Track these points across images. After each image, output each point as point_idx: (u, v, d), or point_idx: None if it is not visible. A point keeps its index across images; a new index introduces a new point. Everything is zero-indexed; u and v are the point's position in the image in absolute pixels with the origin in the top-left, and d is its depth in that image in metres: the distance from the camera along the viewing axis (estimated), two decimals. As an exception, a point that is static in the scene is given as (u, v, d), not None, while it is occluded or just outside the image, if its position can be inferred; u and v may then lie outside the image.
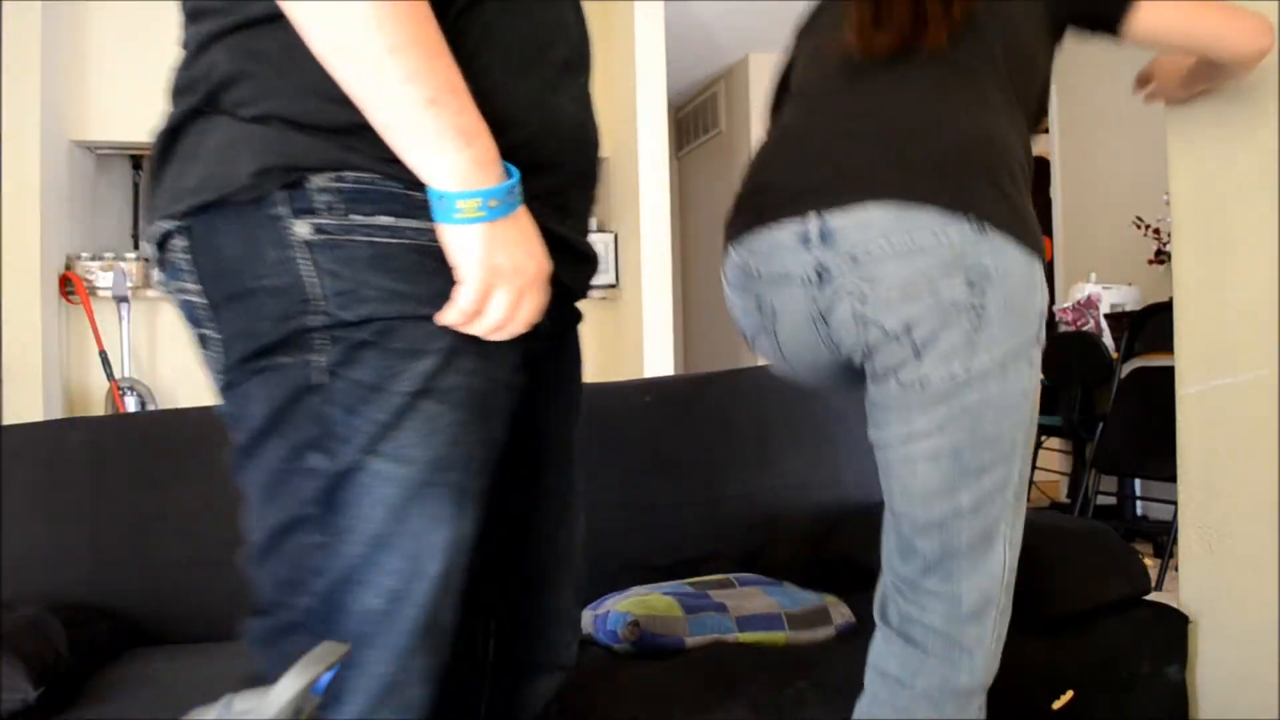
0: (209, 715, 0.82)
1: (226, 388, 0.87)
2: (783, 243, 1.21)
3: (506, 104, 0.85)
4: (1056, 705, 1.48)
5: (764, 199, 1.26)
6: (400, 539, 0.82)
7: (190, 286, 0.86)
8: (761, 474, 1.96)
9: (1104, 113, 4.65)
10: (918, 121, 1.19)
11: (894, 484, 1.26)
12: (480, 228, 0.79)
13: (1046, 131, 5.13)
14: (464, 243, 0.80)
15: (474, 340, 0.84)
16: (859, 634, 1.58)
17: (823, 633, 1.55)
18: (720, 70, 5.79)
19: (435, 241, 0.82)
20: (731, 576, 1.70)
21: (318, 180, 0.81)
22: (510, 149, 0.83)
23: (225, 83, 0.82)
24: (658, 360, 4.12)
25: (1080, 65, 4.78)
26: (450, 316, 0.81)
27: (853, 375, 1.30)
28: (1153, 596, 1.70)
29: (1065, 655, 1.53)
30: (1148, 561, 1.71)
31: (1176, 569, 1.78)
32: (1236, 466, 1.64)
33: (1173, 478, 1.76)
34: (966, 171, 1.15)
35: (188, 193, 0.83)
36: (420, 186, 0.80)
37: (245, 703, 0.81)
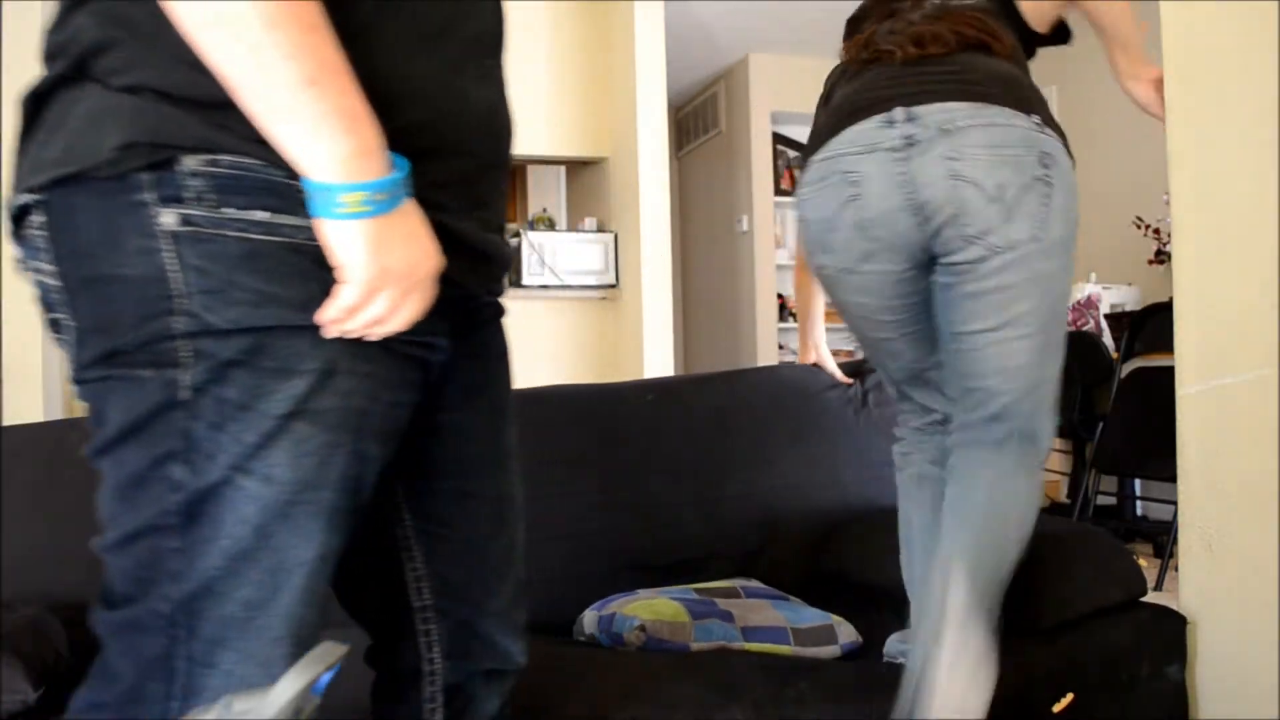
0: (209, 715, 0.82)
1: (81, 382, 0.81)
2: (868, 128, 1.36)
3: (403, 84, 0.80)
4: (1057, 708, 1.48)
5: (843, 112, 1.41)
6: (263, 554, 0.79)
7: (45, 266, 0.80)
8: (761, 474, 1.96)
9: (1104, 113, 4.65)
10: (970, 64, 1.40)
11: (989, 365, 1.38)
12: (365, 224, 0.74)
13: (1046, 131, 5.14)
14: (348, 241, 0.74)
15: (352, 359, 0.79)
16: (863, 655, 1.58)
17: (827, 651, 1.54)
18: (720, 70, 5.79)
19: (314, 240, 0.76)
20: (738, 585, 1.70)
21: (189, 163, 0.75)
22: (406, 133, 0.78)
23: (94, 49, 0.76)
24: (658, 360, 4.12)
25: (1080, 65, 4.78)
26: (330, 314, 0.76)
27: (919, 270, 1.40)
28: (1153, 597, 1.70)
29: (1065, 657, 1.53)
30: (1145, 562, 1.71)
31: (1176, 569, 1.78)
32: (1236, 466, 1.64)
33: (1173, 478, 1.76)
34: (1020, 88, 1.38)
35: (49, 164, 0.77)
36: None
37: (245, 703, 0.81)
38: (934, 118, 1.31)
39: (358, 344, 0.80)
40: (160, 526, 0.79)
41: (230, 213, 0.76)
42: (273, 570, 0.79)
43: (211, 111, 0.75)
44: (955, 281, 1.36)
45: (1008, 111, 1.32)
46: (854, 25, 1.61)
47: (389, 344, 0.82)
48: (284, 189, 0.76)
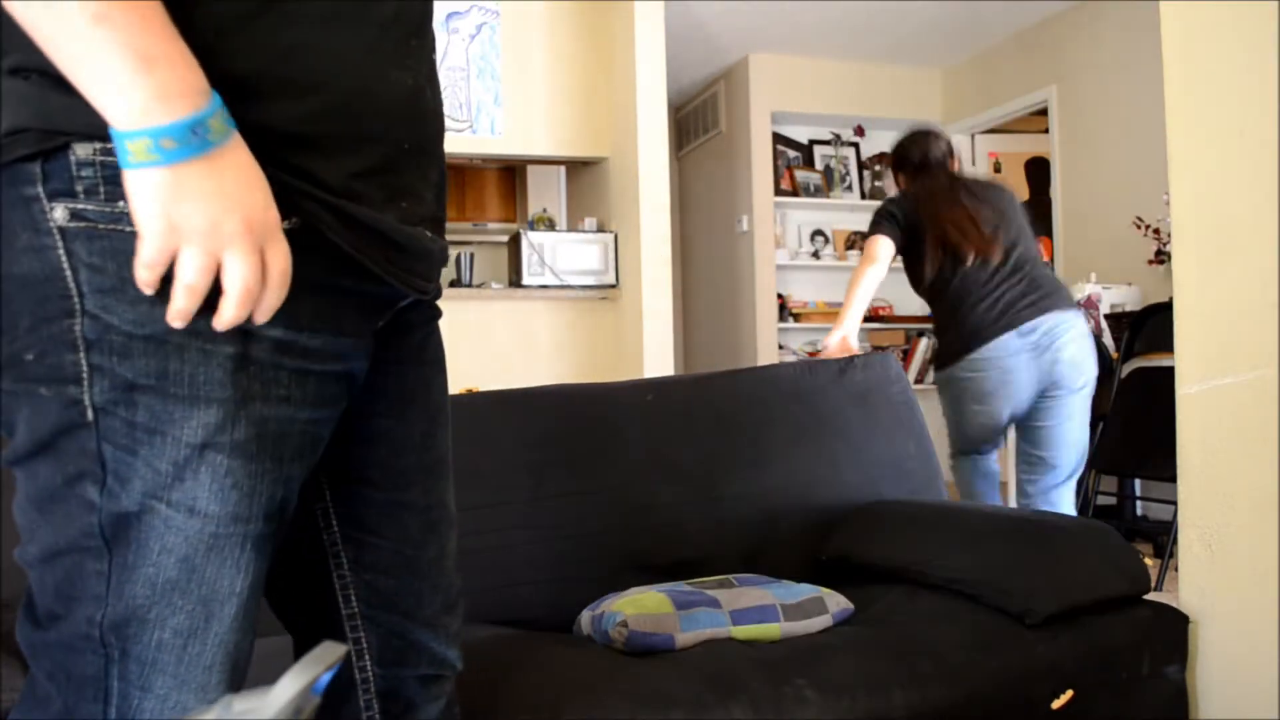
0: (209, 715, 0.82)
1: None
2: (1010, 340, 2.67)
3: (313, 65, 0.75)
4: (1056, 705, 1.48)
5: (987, 321, 2.69)
6: (192, 585, 0.76)
7: None
8: (761, 474, 1.96)
9: (1104, 113, 4.65)
10: (1037, 275, 2.74)
11: (1059, 440, 2.76)
12: (154, 173, 0.67)
13: (1046, 131, 5.13)
14: (136, 191, 0.68)
15: (266, 384, 0.75)
16: (854, 622, 1.59)
17: (819, 622, 1.55)
18: (720, 70, 5.79)
19: None
20: (731, 577, 1.70)
21: (80, 151, 0.70)
22: (317, 116, 0.75)
23: None
24: (658, 360, 4.12)
25: (1080, 65, 4.78)
26: (140, 275, 0.70)
27: (1030, 401, 2.76)
28: (1153, 596, 1.70)
29: (1065, 654, 1.53)
30: (1148, 561, 1.71)
31: (1176, 569, 1.78)
32: (1236, 466, 1.64)
33: (1173, 478, 1.76)
34: (1061, 287, 2.78)
35: None
36: None
37: (245, 703, 0.81)
38: (1048, 325, 2.66)
39: (273, 368, 0.76)
40: (82, 547, 0.75)
41: (125, 206, 0.70)
42: (204, 600, 0.76)
43: None
44: (1054, 405, 2.75)
45: (1074, 313, 2.72)
46: (910, 164, 2.92)
47: (306, 364, 0.78)
48: None
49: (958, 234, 2.67)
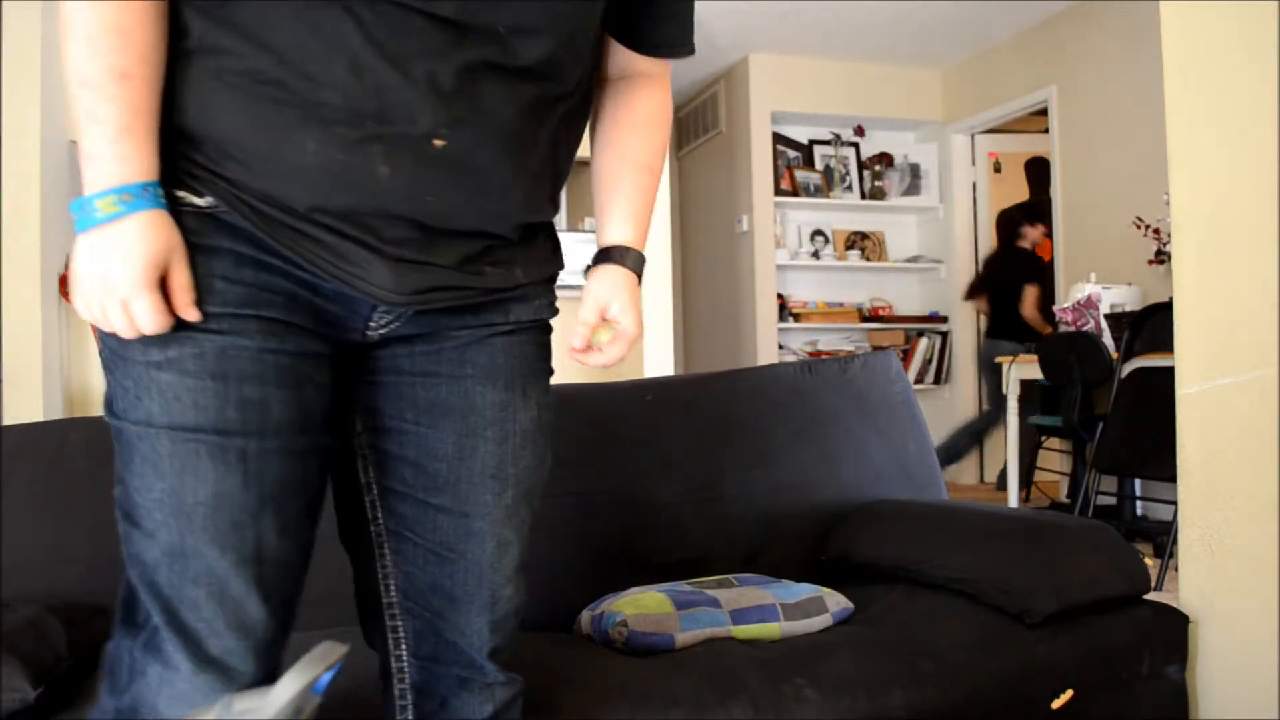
0: (209, 715, 0.82)
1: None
2: None
3: (299, 159, 0.87)
4: (1056, 704, 1.48)
5: None
6: (166, 497, 0.87)
7: None
8: (761, 474, 1.96)
9: (1104, 113, 4.65)
10: None
11: None
12: (80, 236, 0.84)
13: (1046, 131, 5.14)
14: (77, 248, 0.85)
15: (218, 319, 0.87)
16: (854, 621, 1.59)
17: (819, 621, 1.55)
18: (720, 70, 5.79)
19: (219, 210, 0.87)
20: (731, 577, 1.70)
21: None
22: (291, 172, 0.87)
23: None
24: (658, 360, 4.12)
25: (1080, 65, 4.78)
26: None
27: None
28: (1153, 596, 1.70)
29: (1065, 654, 1.53)
30: (1148, 561, 1.71)
31: (1176, 569, 1.78)
32: (1236, 466, 1.64)
33: (1173, 478, 1.76)
34: None
35: None
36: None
37: (245, 703, 0.81)
38: None
39: (241, 310, 0.88)
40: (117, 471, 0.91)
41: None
42: (175, 513, 0.86)
43: None
44: None
45: None
46: None
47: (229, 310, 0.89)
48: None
49: None
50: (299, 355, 0.91)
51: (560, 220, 5.26)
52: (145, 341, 0.86)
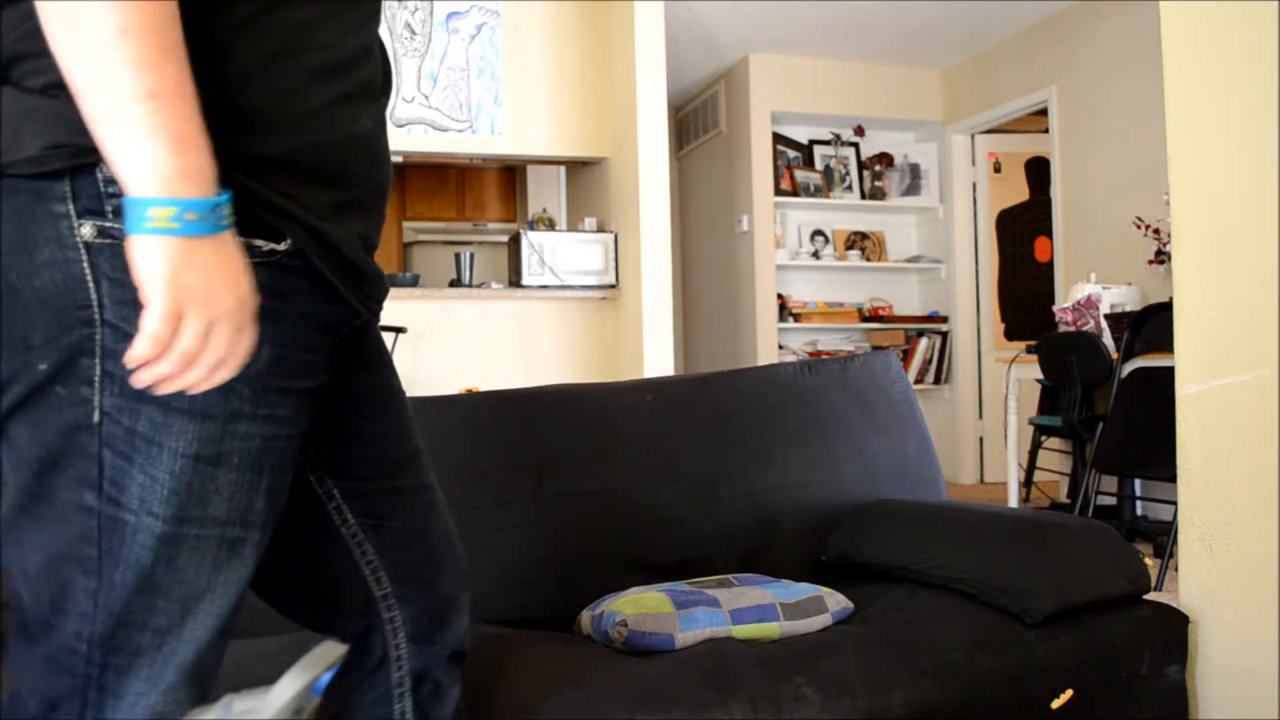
0: (209, 715, 0.82)
1: None
2: None
3: (305, 105, 0.83)
4: (1056, 704, 1.48)
5: None
6: (174, 585, 0.81)
7: None
8: (761, 474, 1.96)
9: (1104, 113, 4.65)
10: None
11: None
12: (169, 240, 0.72)
13: (1046, 131, 5.14)
14: (149, 256, 0.72)
15: (256, 402, 0.82)
16: (854, 620, 1.59)
17: (818, 621, 1.55)
18: (720, 70, 5.79)
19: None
20: (731, 576, 1.70)
21: (109, 169, 0.74)
22: (306, 149, 0.83)
23: (12, 53, 0.76)
24: (658, 360, 4.12)
25: (1080, 65, 4.78)
26: (139, 347, 0.73)
27: None
28: (1153, 596, 1.70)
29: (1065, 654, 1.53)
30: (1148, 561, 1.71)
31: (1176, 569, 1.78)
32: (1236, 466, 1.64)
33: (1173, 478, 1.76)
34: None
35: None
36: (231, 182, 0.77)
37: (245, 703, 0.81)
38: None
39: (262, 388, 0.82)
40: (74, 556, 0.80)
41: None
42: (183, 600, 0.82)
43: None
44: None
45: None
46: None
47: (288, 383, 0.85)
48: None
49: None
50: (304, 434, 0.91)
51: (560, 220, 5.27)
52: (201, 426, 0.79)
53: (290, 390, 0.85)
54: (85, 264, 0.76)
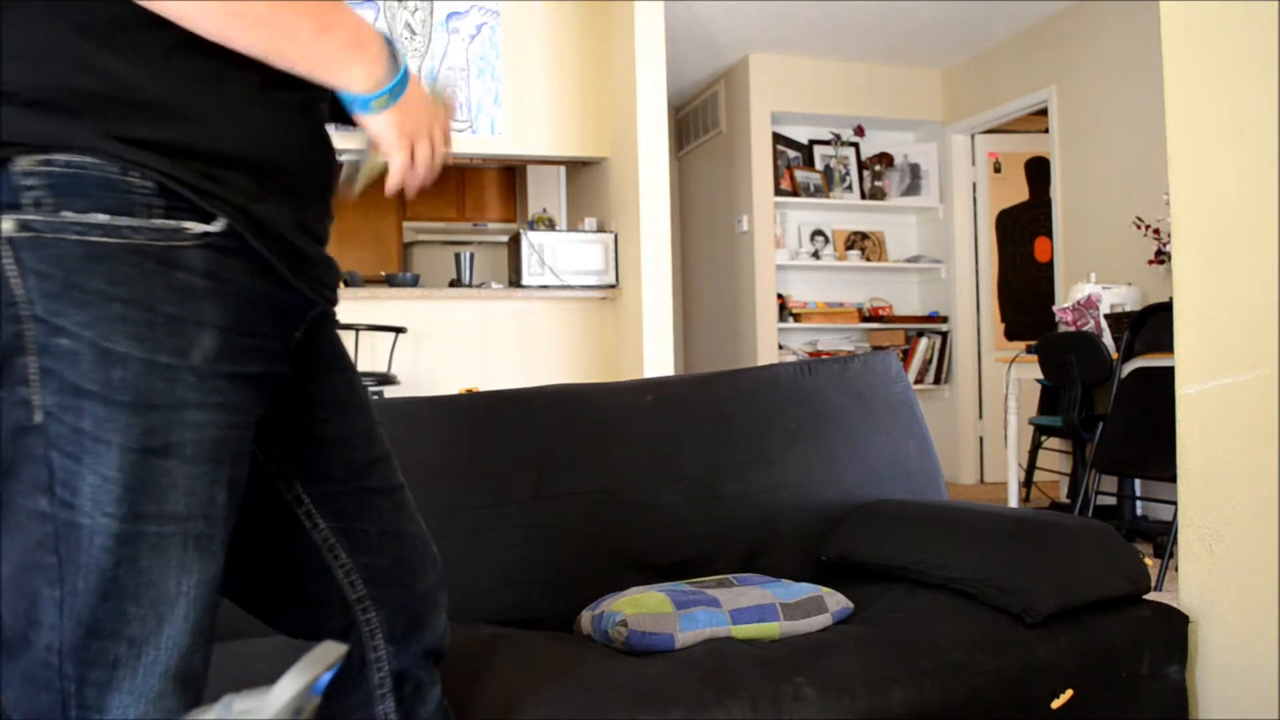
0: (209, 715, 0.82)
1: None
2: None
3: (224, 92, 0.83)
4: (1056, 704, 1.48)
5: None
6: (141, 589, 0.79)
7: None
8: (761, 474, 1.96)
9: (1104, 113, 4.65)
10: None
11: None
12: (389, 112, 0.90)
13: (1046, 131, 5.14)
14: (381, 126, 0.90)
15: (205, 390, 0.81)
16: (854, 620, 1.59)
17: (818, 621, 1.55)
18: (720, 70, 5.79)
19: (156, 241, 0.78)
20: (731, 576, 1.70)
21: (23, 163, 0.74)
22: (224, 140, 0.83)
23: None
24: (658, 360, 4.12)
25: (1080, 65, 4.78)
26: (393, 181, 0.93)
27: None
28: (1153, 596, 1.70)
29: (1065, 654, 1.53)
30: (1148, 561, 1.71)
31: (1176, 569, 1.78)
32: (1236, 466, 1.64)
33: (1173, 478, 1.76)
34: None
35: None
36: (135, 171, 0.77)
37: (245, 703, 0.81)
38: None
39: (210, 375, 0.81)
40: (38, 565, 0.77)
41: (69, 216, 0.75)
42: (154, 603, 0.79)
43: (45, 109, 0.75)
44: None
45: None
46: None
47: (235, 368, 0.84)
48: (121, 185, 0.77)
49: None
50: (255, 423, 0.90)
51: (560, 220, 5.27)
52: (146, 418, 0.77)
53: (238, 375, 0.84)
54: (8, 260, 0.75)
